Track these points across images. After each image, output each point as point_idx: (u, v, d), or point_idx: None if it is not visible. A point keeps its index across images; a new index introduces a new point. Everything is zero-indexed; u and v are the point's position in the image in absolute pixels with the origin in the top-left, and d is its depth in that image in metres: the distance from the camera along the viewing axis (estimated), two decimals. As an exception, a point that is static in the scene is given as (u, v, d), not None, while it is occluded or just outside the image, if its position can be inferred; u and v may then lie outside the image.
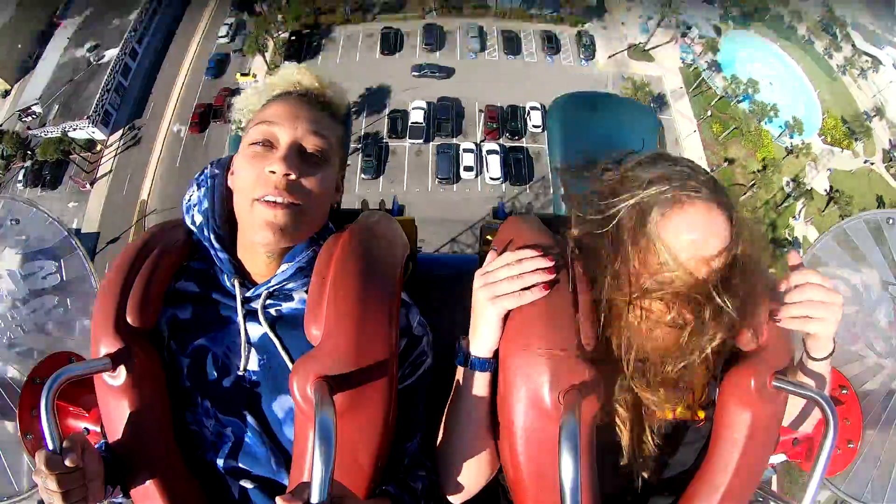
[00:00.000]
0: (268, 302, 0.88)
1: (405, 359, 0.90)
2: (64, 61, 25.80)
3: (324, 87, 0.98)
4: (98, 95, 23.27)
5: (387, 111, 22.50)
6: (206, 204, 0.92)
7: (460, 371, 0.85)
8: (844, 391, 1.15)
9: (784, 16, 31.41)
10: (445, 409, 0.88)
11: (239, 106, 0.99)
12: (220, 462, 0.87)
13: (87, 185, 21.85)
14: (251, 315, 0.88)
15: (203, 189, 0.93)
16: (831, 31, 31.41)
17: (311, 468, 0.62)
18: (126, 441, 0.84)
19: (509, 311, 0.80)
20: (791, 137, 24.36)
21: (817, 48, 30.95)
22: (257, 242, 0.84)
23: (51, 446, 0.72)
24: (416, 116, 22.09)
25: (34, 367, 1.12)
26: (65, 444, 0.72)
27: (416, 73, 22.69)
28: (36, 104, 23.72)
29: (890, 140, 27.32)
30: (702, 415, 0.88)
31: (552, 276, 0.75)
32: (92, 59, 25.37)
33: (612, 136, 1.00)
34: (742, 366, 0.82)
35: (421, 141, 21.67)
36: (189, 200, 0.94)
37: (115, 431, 0.85)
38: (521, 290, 0.76)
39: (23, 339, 1.17)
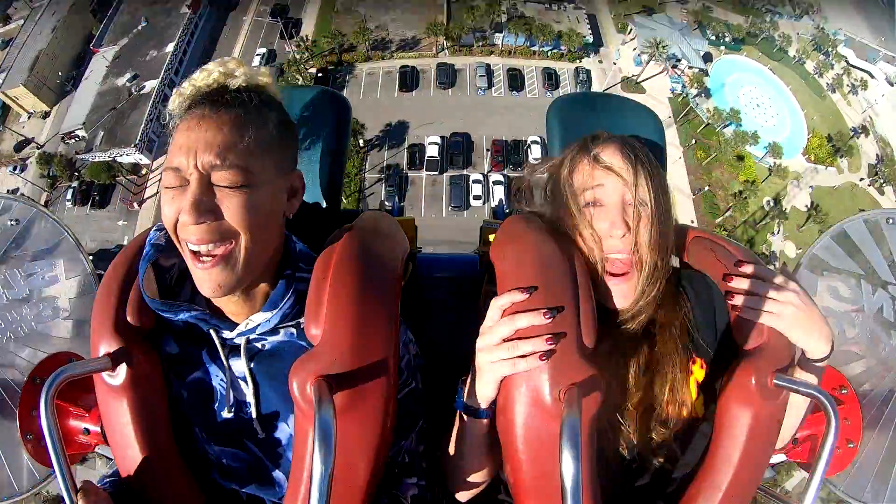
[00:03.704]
0: (252, 337, 0.85)
1: None
2: (104, 89, 28.05)
3: (225, 77, 0.83)
4: (143, 125, 25.64)
5: (406, 145, 25.70)
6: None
7: (459, 413, 0.86)
8: (844, 391, 1.15)
9: (775, 37, 32.88)
10: (447, 445, 0.89)
11: (170, 111, 0.84)
12: (222, 483, 0.89)
13: (136, 205, 24.67)
14: (236, 351, 0.85)
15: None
16: (822, 50, 32.90)
17: (311, 468, 0.62)
18: (125, 441, 0.84)
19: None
20: (775, 158, 26.57)
21: (808, 68, 32.53)
22: (205, 294, 0.78)
23: (67, 500, 0.74)
24: (432, 151, 25.57)
25: (34, 367, 1.12)
26: (79, 498, 0.74)
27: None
28: (80, 129, 26.30)
29: (877, 154, 28.70)
30: (702, 412, 0.89)
31: (549, 346, 0.73)
32: (133, 90, 27.65)
33: None
34: (743, 364, 0.82)
35: (436, 173, 25.21)
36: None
37: (115, 431, 0.85)
38: (517, 357, 0.75)
39: (23, 339, 1.16)
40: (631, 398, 0.87)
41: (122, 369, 0.81)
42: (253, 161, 0.77)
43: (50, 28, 30.80)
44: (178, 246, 0.78)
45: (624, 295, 0.87)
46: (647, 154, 0.89)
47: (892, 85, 31.78)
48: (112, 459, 0.90)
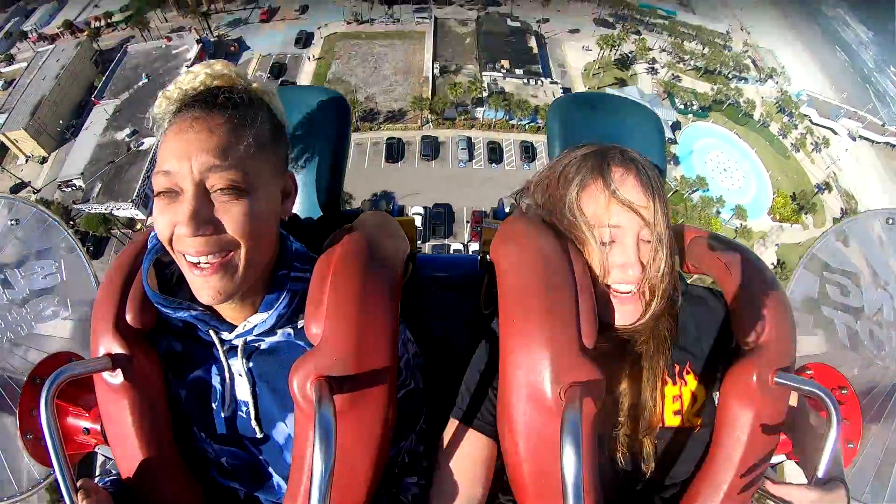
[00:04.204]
0: (250, 338, 0.84)
1: None
2: (104, 141, 29.03)
3: (212, 79, 0.80)
4: (140, 182, 26.48)
5: (391, 214, 27.09)
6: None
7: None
8: (844, 391, 1.15)
9: (741, 103, 35.12)
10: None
11: (156, 115, 0.82)
12: (221, 482, 0.89)
13: (130, 258, 25.44)
14: (234, 350, 0.84)
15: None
16: (786, 112, 35.16)
17: (311, 468, 0.62)
18: (126, 440, 0.84)
19: (508, 311, 0.80)
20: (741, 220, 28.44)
21: (773, 130, 34.67)
22: (203, 301, 0.76)
23: (67, 500, 0.74)
24: (416, 221, 24.52)
25: (34, 367, 1.12)
26: (80, 498, 0.74)
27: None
28: (78, 178, 27.05)
29: (841, 208, 30.31)
30: (697, 421, 0.88)
31: None
32: (132, 145, 28.52)
33: (613, 137, 1.00)
34: (744, 362, 0.82)
35: (419, 242, 24.01)
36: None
37: (116, 431, 0.85)
38: None
39: (23, 339, 1.16)
40: (620, 406, 0.87)
41: (123, 369, 0.81)
42: (250, 164, 0.74)
43: (53, 74, 32.05)
44: (173, 256, 0.75)
45: (630, 313, 0.84)
46: (658, 180, 0.85)
47: (854, 139, 33.29)
48: (112, 459, 0.90)
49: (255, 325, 0.82)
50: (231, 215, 0.72)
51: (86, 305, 1.23)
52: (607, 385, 0.80)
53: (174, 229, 0.71)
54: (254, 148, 0.75)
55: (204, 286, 0.73)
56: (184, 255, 0.73)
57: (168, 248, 0.75)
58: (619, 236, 0.82)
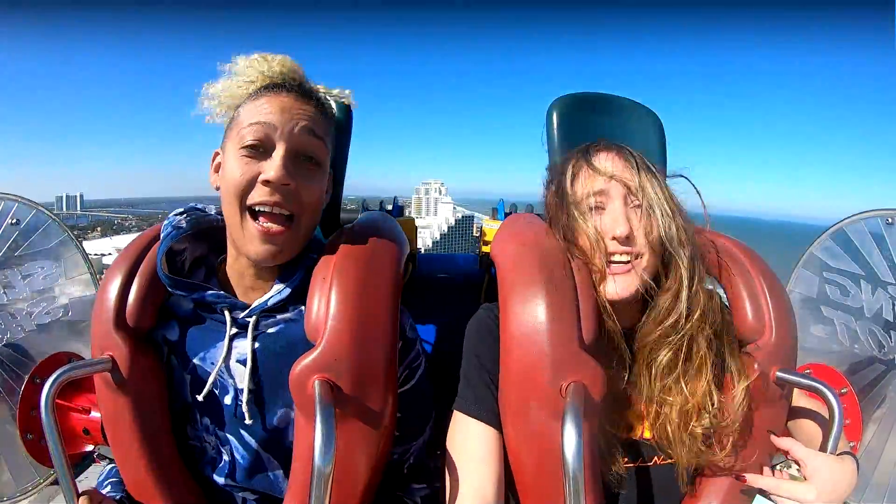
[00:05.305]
0: (261, 316, 0.85)
1: (401, 361, 0.87)
2: None
3: (288, 69, 0.88)
4: None
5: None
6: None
7: None
8: (844, 391, 1.15)
9: None
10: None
11: (217, 95, 0.86)
12: (219, 480, 0.88)
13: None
14: (242, 332, 0.85)
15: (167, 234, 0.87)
16: None
17: (312, 468, 0.62)
18: (126, 441, 0.84)
19: (508, 307, 0.80)
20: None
21: None
22: (251, 256, 0.80)
23: (68, 500, 0.75)
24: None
25: (34, 368, 1.12)
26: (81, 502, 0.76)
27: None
28: None
29: None
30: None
31: None
32: None
33: (612, 137, 1.00)
34: (744, 359, 0.82)
35: None
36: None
37: (115, 431, 0.85)
38: None
39: (23, 339, 1.17)
40: (624, 410, 0.84)
41: (123, 369, 0.81)
42: (326, 149, 0.84)
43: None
44: (232, 210, 0.79)
45: (623, 287, 0.81)
46: (646, 161, 0.86)
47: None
48: (113, 461, 0.91)
49: (272, 296, 0.84)
50: (306, 183, 0.80)
51: (86, 305, 1.23)
52: (611, 388, 0.80)
53: (255, 176, 0.77)
54: (328, 133, 0.86)
55: (267, 240, 0.79)
56: (252, 209, 0.78)
57: (235, 201, 0.78)
58: (607, 202, 0.84)
